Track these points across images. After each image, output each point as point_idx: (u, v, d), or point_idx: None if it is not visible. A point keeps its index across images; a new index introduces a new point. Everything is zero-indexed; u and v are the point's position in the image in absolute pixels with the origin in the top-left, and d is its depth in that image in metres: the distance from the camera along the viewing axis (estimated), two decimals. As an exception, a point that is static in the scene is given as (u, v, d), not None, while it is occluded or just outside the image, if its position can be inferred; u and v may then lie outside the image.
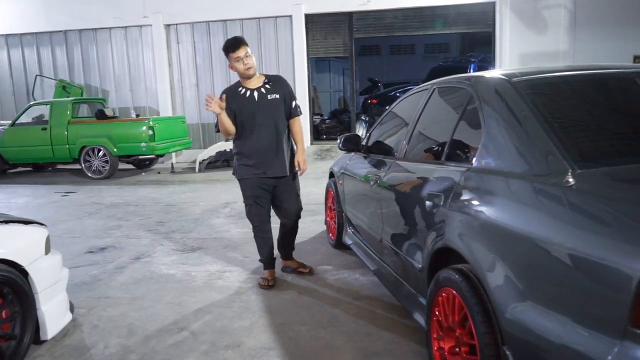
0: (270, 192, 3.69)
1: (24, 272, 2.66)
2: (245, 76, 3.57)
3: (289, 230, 3.88)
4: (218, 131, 3.64)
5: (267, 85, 3.62)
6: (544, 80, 2.27)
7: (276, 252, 3.96)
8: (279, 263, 4.01)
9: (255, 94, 3.59)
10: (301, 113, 3.79)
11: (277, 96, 3.61)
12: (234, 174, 3.76)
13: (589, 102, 2.19)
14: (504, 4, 10.70)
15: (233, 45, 3.51)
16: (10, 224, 2.79)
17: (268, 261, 3.83)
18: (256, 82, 3.62)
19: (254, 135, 3.58)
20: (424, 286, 2.42)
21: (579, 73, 2.37)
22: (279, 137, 3.62)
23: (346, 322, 3.09)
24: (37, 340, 2.78)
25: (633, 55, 10.20)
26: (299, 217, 3.85)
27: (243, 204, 3.80)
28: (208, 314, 3.32)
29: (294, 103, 3.72)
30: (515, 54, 10.74)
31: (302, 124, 3.94)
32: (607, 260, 1.34)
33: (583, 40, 10.41)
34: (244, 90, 3.61)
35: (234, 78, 3.48)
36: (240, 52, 3.49)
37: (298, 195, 3.81)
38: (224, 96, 3.53)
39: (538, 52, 10.58)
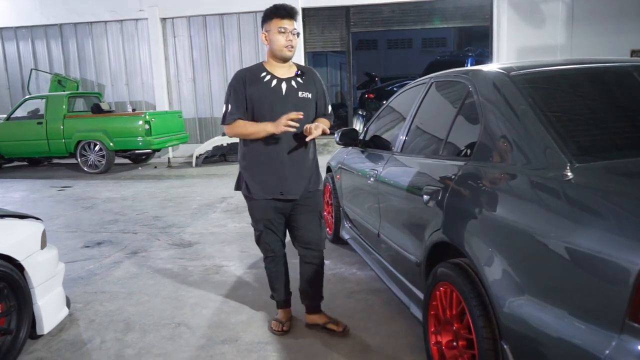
0: (285, 215, 2.86)
1: (19, 267, 2.65)
2: (281, 57, 2.70)
3: (313, 269, 2.91)
4: (224, 124, 2.76)
5: (299, 79, 2.77)
6: (542, 74, 2.26)
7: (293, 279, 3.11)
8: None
9: (284, 85, 2.72)
10: (334, 122, 2.95)
11: (310, 95, 2.78)
12: (238, 189, 2.90)
13: (587, 96, 2.19)
14: (502, -2, 10.68)
15: (283, 10, 2.67)
16: (6, 218, 2.78)
17: (282, 299, 3.02)
18: (287, 70, 2.76)
19: (272, 139, 2.69)
20: (421, 280, 2.42)
21: (577, 67, 2.36)
22: (300, 147, 2.75)
23: (343, 316, 3.08)
24: (33, 335, 2.77)
25: (630, 50, 10.21)
26: (323, 247, 2.93)
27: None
28: (205, 308, 3.32)
29: (329, 108, 2.91)
30: (512, 48, 10.73)
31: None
32: (605, 254, 1.34)
33: (580, 34, 10.40)
34: (269, 77, 2.72)
35: (232, 72, 3.00)
36: (288, 24, 2.67)
37: (321, 217, 2.91)
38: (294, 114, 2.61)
39: (535, 46, 10.57)
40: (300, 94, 2.75)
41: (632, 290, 1.25)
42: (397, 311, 3.10)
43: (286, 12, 2.67)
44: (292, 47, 2.69)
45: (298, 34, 2.73)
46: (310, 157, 2.84)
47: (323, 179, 2.97)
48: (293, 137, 2.70)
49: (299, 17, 2.72)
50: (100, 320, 3.20)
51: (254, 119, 2.70)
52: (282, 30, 2.66)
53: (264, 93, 2.69)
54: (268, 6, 2.73)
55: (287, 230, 2.94)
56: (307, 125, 2.64)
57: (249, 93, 2.69)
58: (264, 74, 2.73)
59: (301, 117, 2.61)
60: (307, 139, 2.64)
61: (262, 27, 2.74)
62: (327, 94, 2.93)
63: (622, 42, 10.11)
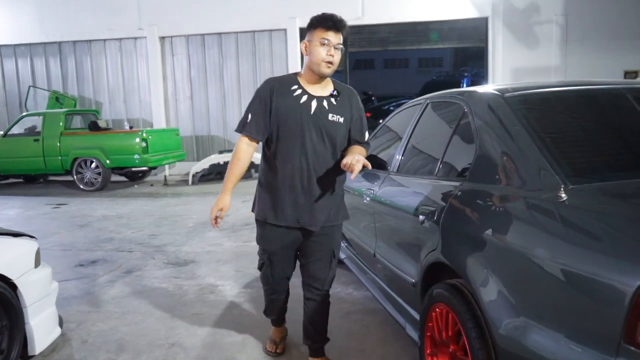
0: (295, 247, 2.62)
1: (12, 286, 2.62)
2: (317, 71, 2.41)
3: (315, 307, 2.68)
4: (237, 131, 2.54)
5: (332, 100, 2.48)
6: (536, 96, 2.29)
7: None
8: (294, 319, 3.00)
9: (314, 104, 2.44)
10: (368, 147, 2.65)
11: (341, 119, 2.47)
12: (252, 208, 2.66)
13: (581, 118, 2.21)
14: (497, 19, 10.82)
15: (330, 21, 2.38)
16: (0, 236, 2.76)
17: (276, 318, 2.94)
18: (321, 88, 2.49)
19: (295, 161, 2.43)
20: (417, 301, 2.41)
21: (571, 89, 2.39)
22: (330, 172, 2.47)
23: (339, 337, 3.06)
24: (24, 355, 2.73)
25: (624, 71, 10.33)
26: (329, 287, 2.70)
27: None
28: (199, 328, 3.29)
29: (366, 135, 2.60)
30: (507, 68, 10.84)
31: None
32: (600, 276, 1.34)
33: (574, 55, 10.53)
34: (300, 91, 2.46)
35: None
36: (333, 36, 2.37)
37: (334, 256, 2.64)
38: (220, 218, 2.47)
39: (530, 67, 10.69)
40: (330, 116, 2.45)
41: (627, 313, 1.25)
42: (393, 332, 3.08)
43: (333, 24, 2.37)
44: (331, 63, 2.39)
45: (343, 50, 2.45)
46: (337, 188, 2.54)
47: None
48: (323, 164, 2.45)
49: (344, 32, 2.45)
50: (93, 341, 3.16)
51: (278, 135, 2.45)
52: (325, 42, 2.37)
53: (290, 108, 2.42)
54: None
55: (294, 264, 2.72)
56: (347, 161, 2.27)
57: (274, 105, 2.43)
58: (295, 87, 2.47)
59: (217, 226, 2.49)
60: (352, 177, 2.28)
61: (305, 37, 2.46)
62: (364, 119, 2.59)
63: (616, 63, 10.24)
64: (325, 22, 2.37)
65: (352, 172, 2.25)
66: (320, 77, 2.45)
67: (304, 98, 2.44)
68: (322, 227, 2.51)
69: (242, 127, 2.49)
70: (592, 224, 1.49)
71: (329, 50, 2.37)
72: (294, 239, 2.55)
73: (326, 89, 2.50)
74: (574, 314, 1.42)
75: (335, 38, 2.38)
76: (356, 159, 2.26)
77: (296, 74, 2.54)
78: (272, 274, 2.66)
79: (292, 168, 2.43)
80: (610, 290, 1.30)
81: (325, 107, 2.45)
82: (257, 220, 2.61)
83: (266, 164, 2.54)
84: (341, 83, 2.59)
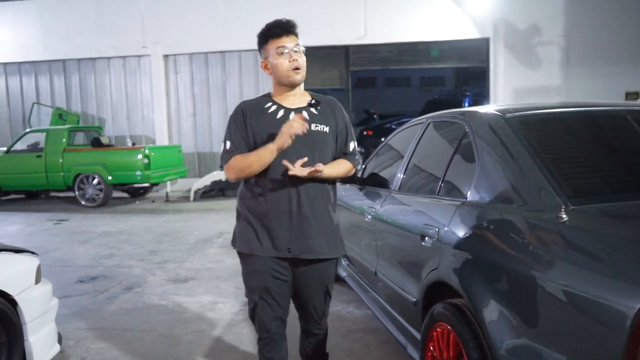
0: (290, 283, 2.26)
1: (12, 302, 2.62)
2: (288, 82, 2.21)
3: (314, 339, 2.48)
4: (221, 165, 2.26)
5: (312, 109, 2.24)
6: (537, 117, 2.31)
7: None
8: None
9: (292, 117, 2.17)
10: (359, 164, 2.41)
11: (326, 129, 2.23)
12: (233, 243, 2.36)
13: (582, 139, 2.22)
14: (498, 40, 10.91)
15: (277, 27, 2.18)
16: (1, 252, 2.76)
17: None
18: (298, 100, 2.26)
19: (278, 183, 2.16)
20: (418, 320, 2.40)
21: (571, 110, 2.41)
22: (319, 191, 2.21)
23: (339, 356, 3.04)
24: (22, 372, 2.72)
25: (625, 92, 10.38)
26: (326, 316, 2.47)
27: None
28: (199, 346, 3.27)
29: (351, 145, 2.32)
30: (509, 88, 10.91)
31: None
32: (601, 298, 1.34)
33: (575, 76, 10.59)
34: (274, 107, 2.23)
35: (232, 108, 2.12)
36: (288, 42, 2.17)
37: (329, 294, 2.39)
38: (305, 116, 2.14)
39: (531, 87, 10.75)
40: (313, 126, 2.18)
41: (628, 335, 1.24)
42: (394, 352, 3.06)
43: (281, 29, 2.18)
44: (298, 68, 2.17)
45: (304, 51, 2.22)
46: (327, 211, 2.25)
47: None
48: (313, 183, 2.16)
49: (296, 31, 2.22)
50: (92, 358, 3.14)
51: None
52: (282, 50, 2.16)
53: (268, 126, 2.17)
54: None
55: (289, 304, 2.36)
56: (296, 171, 2.06)
57: (249, 126, 2.19)
58: (269, 104, 2.24)
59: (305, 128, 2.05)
60: (290, 172, 2.06)
61: (260, 55, 2.27)
62: (350, 129, 2.34)
63: (617, 84, 10.29)
64: (273, 30, 2.19)
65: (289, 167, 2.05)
66: (292, 87, 2.24)
67: (281, 113, 2.21)
68: (316, 259, 2.22)
69: (225, 155, 2.21)
70: (593, 245, 1.49)
71: (290, 56, 2.17)
72: (287, 272, 2.23)
73: (303, 99, 2.27)
74: (575, 335, 1.41)
75: (291, 41, 2.18)
76: (305, 168, 2.06)
77: (269, 93, 2.32)
78: (264, 317, 2.23)
79: (279, 191, 2.15)
80: (611, 312, 1.30)
81: (306, 119, 2.16)
82: (240, 254, 2.28)
83: (248, 191, 2.23)
84: (320, 94, 2.36)
